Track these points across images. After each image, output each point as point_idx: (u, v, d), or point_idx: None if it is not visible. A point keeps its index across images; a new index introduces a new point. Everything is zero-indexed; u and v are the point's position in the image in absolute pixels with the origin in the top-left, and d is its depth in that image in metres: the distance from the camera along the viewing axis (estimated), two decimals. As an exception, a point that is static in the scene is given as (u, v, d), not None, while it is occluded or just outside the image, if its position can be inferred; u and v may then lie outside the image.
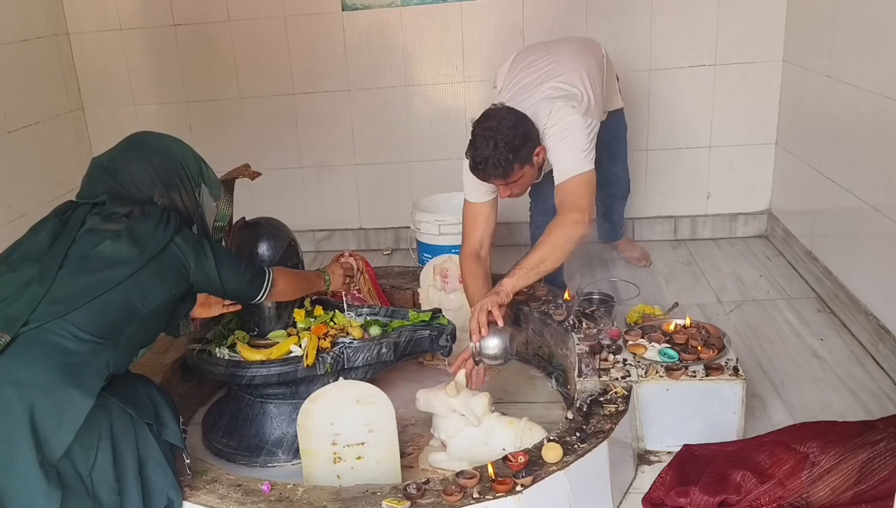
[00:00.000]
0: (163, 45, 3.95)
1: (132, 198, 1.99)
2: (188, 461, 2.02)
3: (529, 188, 2.83)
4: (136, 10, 3.91)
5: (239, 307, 2.39)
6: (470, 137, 2.58)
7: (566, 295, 2.82)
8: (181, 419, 2.06)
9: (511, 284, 2.50)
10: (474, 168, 2.57)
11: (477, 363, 2.46)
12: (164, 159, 2.05)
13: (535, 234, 3.12)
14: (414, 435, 2.48)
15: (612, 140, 3.17)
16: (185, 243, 1.98)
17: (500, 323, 2.42)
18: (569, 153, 2.56)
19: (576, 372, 2.38)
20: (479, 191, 2.77)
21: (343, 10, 3.82)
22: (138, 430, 1.88)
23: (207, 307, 2.30)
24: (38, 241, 1.92)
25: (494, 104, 2.64)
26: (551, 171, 2.66)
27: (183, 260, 1.97)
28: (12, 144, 3.49)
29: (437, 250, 3.30)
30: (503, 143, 2.48)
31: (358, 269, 2.96)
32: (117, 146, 2.08)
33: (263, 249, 2.48)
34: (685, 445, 2.22)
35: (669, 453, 2.26)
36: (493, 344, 2.40)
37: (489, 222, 2.82)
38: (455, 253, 3.01)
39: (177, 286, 1.97)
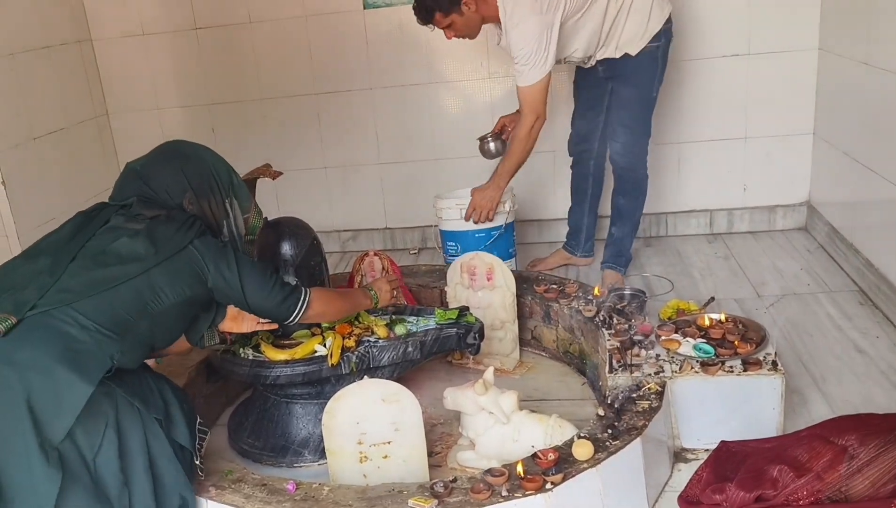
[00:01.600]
0: (185, 48, 3.94)
1: (162, 203, 2.00)
2: (198, 461, 1.97)
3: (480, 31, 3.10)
4: (158, 15, 3.91)
5: (275, 326, 2.27)
6: None
7: (596, 290, 2.75)
8: (199, 420, 2.02)
9: (495, 178, 3.16)
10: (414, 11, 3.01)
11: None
12: (196, 168, 2.07)
13: (571, 148, 3.48)
14: (442, 434, 2.43)
15: (623, 89, 3.16)
16: (205, 247, 1.96)
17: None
18: (523, 62, 2.92)
19: (606, 369, 2.31)
20: None
21: (364, 7, 3.79)
22: (147, 425, 1.84)
23: (238, 322, 2.22)
24: (59, 236, 1.94)
25: None
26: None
27: (201, 264, 1.94)
28: (38, 150, 3.50)
29: (461, 237, 3.25)
30: None
31: (384, 268, 2.93)
32: (151, 152, 2.10)
33: (286, 248, 2.45)
34: (722, 441, 2.14)
35: (706, 450, 2.17)
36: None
37: None
38: (481, 250, 2.95)
39: (191, 289, 1.94)
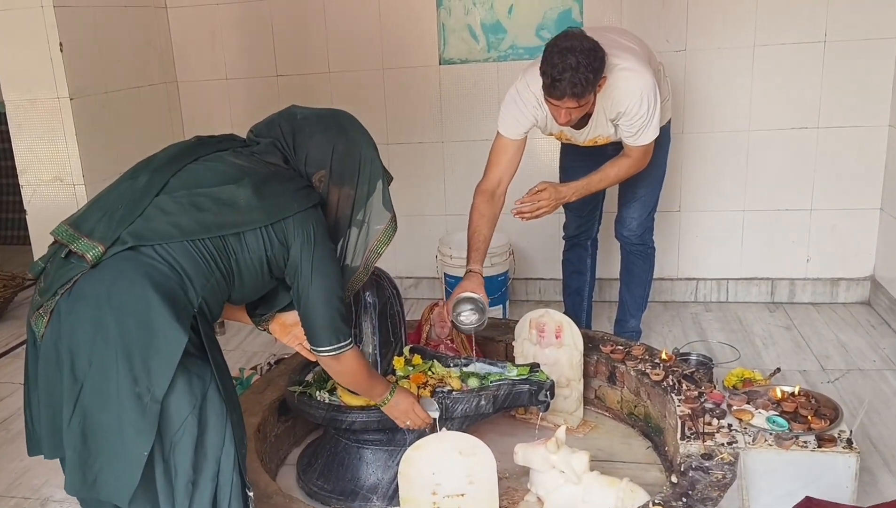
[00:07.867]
0: (265, 93, 4.12)
1: (292, 161, 1.89)
2: (251, 493, 1.83)
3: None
4: (241, 61, 4.11)
5: (314, 358, 2.05)
6: (543, 55, 2.51)
7: (664, 355, 2.77)
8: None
9: (574, 186, 2.82)
10: (551, 85, 2.49)
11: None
12: (349, 150, 1.93)
13: (568, 230, 3.38)
14: (508, 489, 2.45)
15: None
16: (305, 220, 1.80)
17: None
18: (645, 120, 2.69)
19: (678, 435, 2.32)
20: (516, 126, 2.84)
21: (440, 63, 3.91)
22: (227, 429, 1.70)
23: (285, 332, 2.14)
24: (165, 154, 1.82)
25: (571, 28, 2.69)
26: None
27: (292, 233, 1.79)
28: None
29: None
30: (584, 63, 2.44)
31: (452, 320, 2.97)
32: (321, 109, 2.00)
33: (368, 295, 2.50)
34: (807, 497, 2.12)
35: (776, 524, 2.17)
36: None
37: (514, 160, 2.89)
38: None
39: (272, 250, 1.79)
